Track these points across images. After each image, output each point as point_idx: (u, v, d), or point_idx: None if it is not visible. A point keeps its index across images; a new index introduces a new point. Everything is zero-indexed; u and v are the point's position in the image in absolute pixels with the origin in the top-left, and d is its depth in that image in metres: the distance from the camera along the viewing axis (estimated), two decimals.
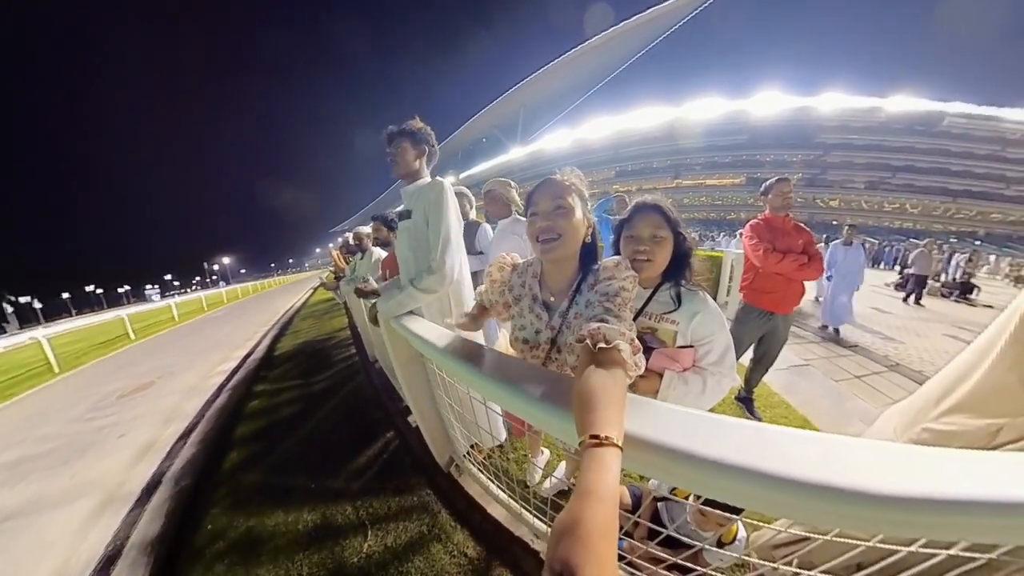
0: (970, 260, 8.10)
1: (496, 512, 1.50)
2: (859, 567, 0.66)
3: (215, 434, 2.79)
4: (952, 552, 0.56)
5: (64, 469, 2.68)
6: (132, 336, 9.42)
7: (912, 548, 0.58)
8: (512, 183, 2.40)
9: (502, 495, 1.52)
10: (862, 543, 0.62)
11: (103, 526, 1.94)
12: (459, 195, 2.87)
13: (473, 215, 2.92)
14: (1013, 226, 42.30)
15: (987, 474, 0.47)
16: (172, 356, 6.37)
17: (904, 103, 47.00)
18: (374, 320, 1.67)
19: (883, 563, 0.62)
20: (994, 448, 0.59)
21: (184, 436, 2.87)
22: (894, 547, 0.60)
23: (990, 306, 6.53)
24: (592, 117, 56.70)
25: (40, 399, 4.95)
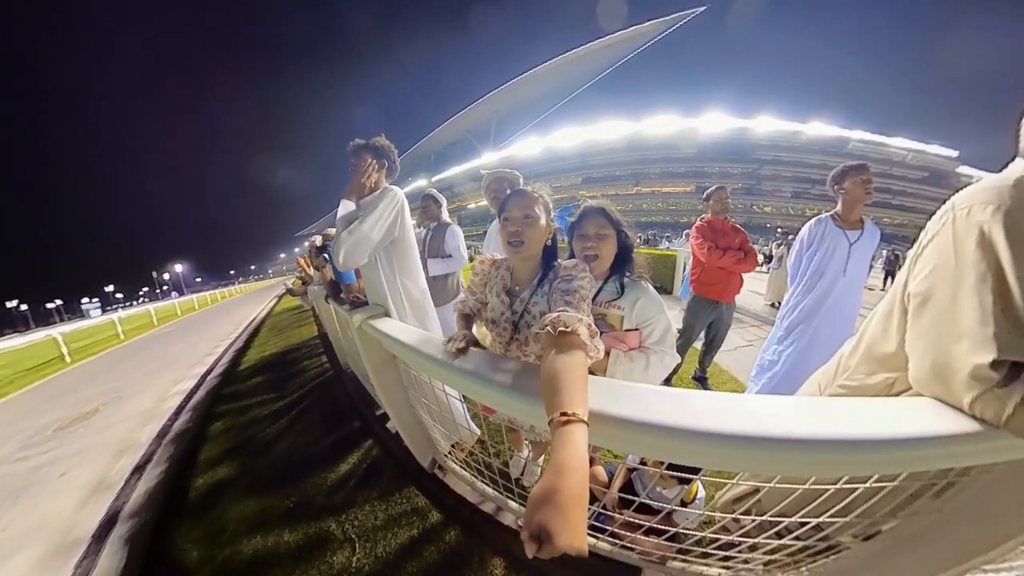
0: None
1: (484, 506, 1.54)
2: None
3: (176, 461, 2.59)
4: (868, 485, 0.68)
5: None
6: (68, 358, 8.43)
7: (839, 485, 0.70)
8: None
9: (488, 489, 1.56)
10: (799, 486, 0.73)
11: None
12: (428, 196, 2.81)
13: (445, 216, 2.85)
14: (897, 227, 55.47)
15: (875, 416, 0.58)
16: (119, 378, 5.78)
17: (819, 129, 59.73)
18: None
19: (819, 500, 0.73)
20: (892, 396, 0.73)
21: (140, 468, 2.63)
22: (826, 486, 0.71)
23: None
24: (562, 127, 59.58)
25: None
